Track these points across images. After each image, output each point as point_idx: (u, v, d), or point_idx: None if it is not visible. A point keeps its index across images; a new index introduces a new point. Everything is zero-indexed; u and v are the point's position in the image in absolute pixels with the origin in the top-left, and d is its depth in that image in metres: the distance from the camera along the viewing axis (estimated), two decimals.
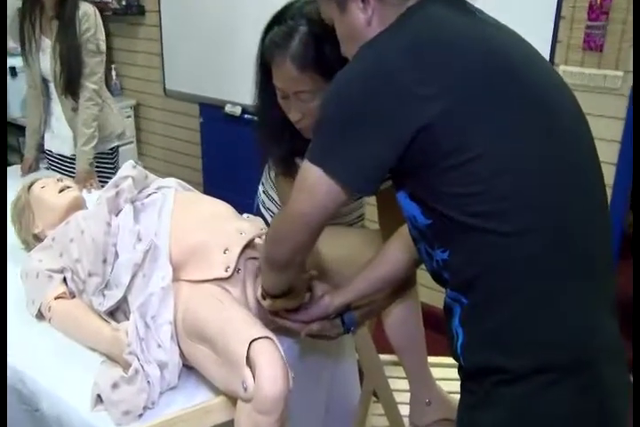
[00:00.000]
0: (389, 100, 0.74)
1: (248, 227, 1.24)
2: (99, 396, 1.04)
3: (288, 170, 1.26)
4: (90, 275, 1.20)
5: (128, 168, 1.36)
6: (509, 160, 0.76)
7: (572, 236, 0.78)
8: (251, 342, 0.96)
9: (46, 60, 2.05)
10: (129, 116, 3.17)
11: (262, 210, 1.56)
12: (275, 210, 1.48)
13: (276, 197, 1.48)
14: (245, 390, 0.94)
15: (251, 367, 0.95)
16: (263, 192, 1.54)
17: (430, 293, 2.03)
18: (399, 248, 1.07)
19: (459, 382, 0.89)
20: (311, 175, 0.80)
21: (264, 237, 1.23)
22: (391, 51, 0.76)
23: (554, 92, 0.82)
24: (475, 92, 0.75)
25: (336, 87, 0.79)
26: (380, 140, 0.76)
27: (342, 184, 0.79)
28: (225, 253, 1.18)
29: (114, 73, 3.21)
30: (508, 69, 0.78)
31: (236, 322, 1.03)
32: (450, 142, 0.74)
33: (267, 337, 0.98)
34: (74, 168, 2.14)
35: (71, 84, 2.02)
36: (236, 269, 1.17)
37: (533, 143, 0.77)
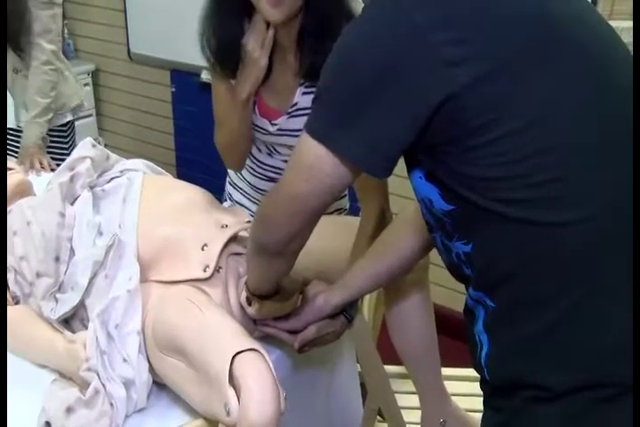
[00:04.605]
0: (412, 63, 0.71)
1: (230, 219, 1.22)
2: (47, 424, 1.01)
3: (226, 63, 1.26)
4: (38, 275, 1.17)
5: (86, 147, 1.34)
6: (555, 136, 0.73)
7: (625, 228, 0.75)
8: (234, 356, 0.94)
9: None
10: (86, 84, 3.11)
11: (229, 204, 1.54)
12: (246, 203, 1.48)
13: (244, 187, 1.48)
14: (228, 413, 0.92)
15: (235, 386, 0.93)
16: (229, 183, 1.53)
17: (445, 292, 2.03)
18: (405, 235, 1.06)
19: (479, 398, 0.88)
20: (311, 152, 0.78)
21: (249, 230, 1.21)
22: (416, 4, 0.72)
23: (607, 57, 0.79)
24: (513, 57, 0.72)
25: (346, 46, 0.76)
26: (398, 112, 0.73)
27: (351, 164, 0.77)
28: (203, 249, 1.16)
29: (65, 31, 3.12)
30: (554, 30, 0.75)
31: (216, 331, 1.01)
32: (481, 115, 0.72)
33: (253, 349, 0.96)
34: (16, 145, 2.05)
35: (15, 35, 1.90)
36: (217, 268, 1.15)
37: (582, 118, 0.75)
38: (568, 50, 0.75)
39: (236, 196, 1.52)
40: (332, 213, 1.47)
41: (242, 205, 1.51)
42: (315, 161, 0.78)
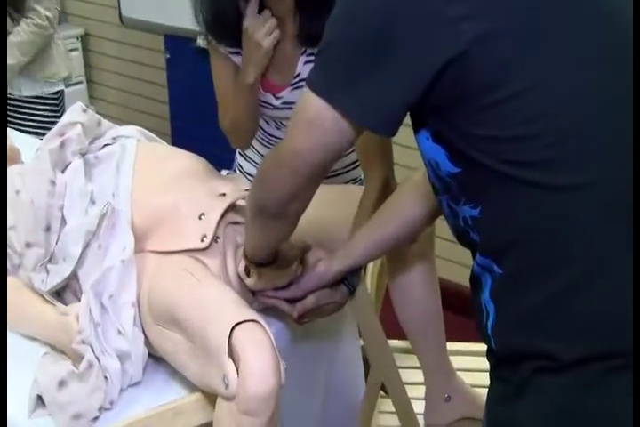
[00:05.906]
0: (415, 21, 0.71)
1: (228, 187, 1.22)
2: (39, 397, 1.02)
3: (222, 38, 1.26)
4: (28, 246, 1.17)
5: (76, 112, 1.32)
6: (561, 99, 0.73)
7: (630, 193, 0.75)
8: (233, 327, 0.94)
9: None
10: (74, 50, 3.07)
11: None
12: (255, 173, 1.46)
13: (255, 158, 1.47)
14: (227, 386, 0.92)
15: (233, 358, 0.93)
16: (240, 154, 1.53)
17: (449, 266, 2.03)
18: (411, 201, 1.06)
19: (485, 374, 0.88)
20: (313, 107, 0.78)
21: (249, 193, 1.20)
22: None
23: (622, 16, 0.77)
24: (515, 15, 0.72)
25: (349, 3, 0.76)
26: (402, 70, 0.73)
27: (352, 120, 0.77)
28: (200, 218, 1.15)
29: None
30: None
31: (214, 302, 1.01)
32: (487, 75, 0.72)
33: (253, 320, 0.96)
34: (10, 115, 2.08)
35: None
36: (214, 238, 1.15)
37: (590, 80, 0.74)
38: (576, 8, 0.74)
39: (247, 166, 1.53)
40: (346, 182, 1.47)
41: (252, 176, 1.51)
42: (316, 116, 0.78)
